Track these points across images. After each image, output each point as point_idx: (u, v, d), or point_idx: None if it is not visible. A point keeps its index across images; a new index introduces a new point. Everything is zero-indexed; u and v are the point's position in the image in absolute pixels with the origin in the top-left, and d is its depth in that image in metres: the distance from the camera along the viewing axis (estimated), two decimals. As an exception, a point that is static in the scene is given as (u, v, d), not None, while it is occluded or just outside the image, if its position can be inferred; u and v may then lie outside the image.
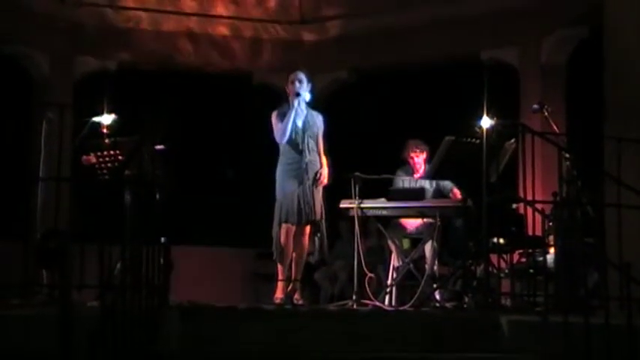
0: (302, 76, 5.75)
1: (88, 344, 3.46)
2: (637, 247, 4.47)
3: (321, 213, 5.68)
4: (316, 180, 5.64)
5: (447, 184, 6.29)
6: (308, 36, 9.21)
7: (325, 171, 5.71)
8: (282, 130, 5.65)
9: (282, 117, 5.71)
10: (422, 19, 8.48)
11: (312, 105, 5.85)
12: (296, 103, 5.70)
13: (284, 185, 5.63)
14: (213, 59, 9.09)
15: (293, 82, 5.73)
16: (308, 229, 5.67)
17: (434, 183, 6.31)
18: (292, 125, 5.66)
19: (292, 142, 5.68)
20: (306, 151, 5.66)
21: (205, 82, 8.88)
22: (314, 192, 5.63)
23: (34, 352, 3.78)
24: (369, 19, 8.82)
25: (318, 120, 5.82)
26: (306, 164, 5.64)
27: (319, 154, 5.76)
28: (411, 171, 6.45)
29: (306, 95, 5.77)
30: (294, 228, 5.60)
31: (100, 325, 3.50)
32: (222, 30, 9.10)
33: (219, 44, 9.10)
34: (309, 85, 5.78)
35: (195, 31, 9.01)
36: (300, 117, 5.72)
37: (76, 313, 3.71)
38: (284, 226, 5.59)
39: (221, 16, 9.03)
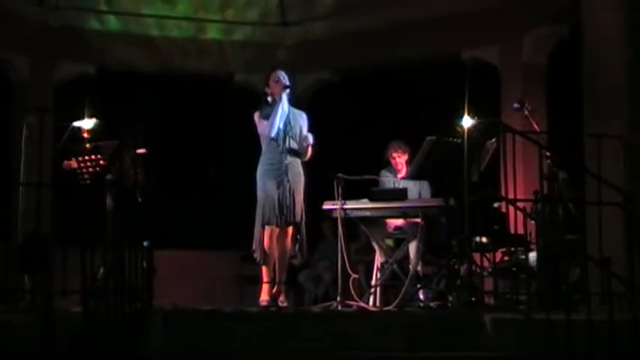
0: (283, 73, 5.76)
1: (71, 350, 3.46)
2: (617, 243, 4.52)
3: (301, 214, 5.69)
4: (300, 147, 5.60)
5: (425, 189, 6.33)
6: (290, 37, 9.23)
7: (310, 136, 5.65)
8: (270, 124, 5.61)
9: (266, 117, 5.69)
10: (403, 18, 8.53)
11: (293, 105, 5.85)
12: (284, 97, 5.69)
13: (265, 187, 5.64)
14: (193, 61, 9.09)
15: (277, 81, 5.70)
16: (290, 230, 5.69)
17: (418, 184, 6.34)
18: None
19: (273, 143, 5.68)
20: (287, 152, 5.67)
21: (186, 84, 8.88)
22: (294, 194, 5.64)
23: (16, 359, 3.77)
24: (351, 20, 8.85)
25: (301, 119, 5.81)
26: (286, 166, 5.65)
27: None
28: (395, 172, 6.49)
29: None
30: (277, 230, 5.62)
31: (82, 330, 3.50)
32: (203, 32, 9.10)
33: (199, 46, 9.11)
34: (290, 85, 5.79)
35: (175, 34, 9.01)
36: (282, 118, 5.72)
37: (58, 319, 3.72)
38: (267, 228, 5.60)
39: (202, 19, 9.04)
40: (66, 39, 8.54)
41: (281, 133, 5.67)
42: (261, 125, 5.69)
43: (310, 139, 5.67)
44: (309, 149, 5.69)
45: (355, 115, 8.65)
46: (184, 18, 8.99)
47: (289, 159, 5.65)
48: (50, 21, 8.46)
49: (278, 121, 5.63)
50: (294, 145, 5.70)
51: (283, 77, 5.71)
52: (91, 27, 8.70)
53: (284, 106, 5.70)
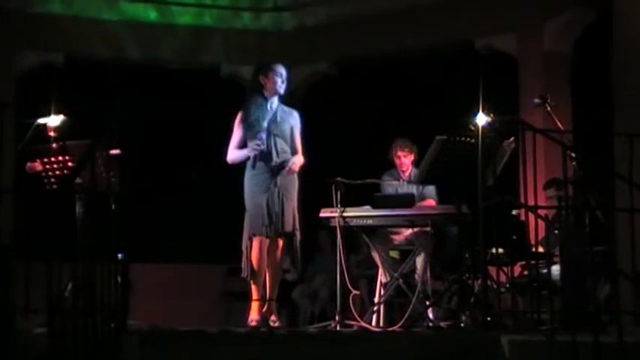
0: (285, 71, 5.74)
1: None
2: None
3: (294, 224, 5.67)
4: (284, 167, 5.60)
5: (429, 193, 6.31)
6: (283, 24, 9.24)
7: (297, 159, 5.66)
8: (236, 158, 5.67)
9: (246, 124, 5.65)
10: (410, 3, 8.55)
11: (286, 100, 5.83)
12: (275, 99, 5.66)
13: (252, 194, 5.62)
14: (175, 51, 9.09)
15: (279, 78, 5.66)
16: (281, 242, 5.66)
17: (421, 188, 6.33)
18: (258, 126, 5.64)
19: (258, 145, 5.66)
20: (274, 154, 5.65)
21: (167, 76, 8.88)
22: (284, 201, 5.61)
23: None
24: (352, 5, 8.86)
25: (292, 117, 5.79)
26: (274, 169, 5.62)
27: (296, 154, 5.73)
28: (397, 175, 6.48)
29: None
30: (267, 241, 5.60)
31: (48, 354, 3.48)
32: (187, 18, 9.11)
33: (183, 33, 9.11)
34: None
35: (156, 19, 9.01)
36: (267, 116, 5.69)
37: (20, 342, 3.69)
38: (255, 240, 5.58)
39: (185, 3, 9.05)
40: (30, 24, 8.52)
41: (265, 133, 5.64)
42: (233, 142, 5.70)
43: (294, 165, 5.63)
44: (295, 167, 5.64)
45: (355, 112, 8.66)
46: (165, 2, 8.99)
47: (276, 161, 5.62)
48: (11, 4, 8.44)
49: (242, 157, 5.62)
50: (282, 145, 5.67)
51: (283, 78, 5.68)
52: (58, 11, 8.68)
53: (273, 104, 5.68)
